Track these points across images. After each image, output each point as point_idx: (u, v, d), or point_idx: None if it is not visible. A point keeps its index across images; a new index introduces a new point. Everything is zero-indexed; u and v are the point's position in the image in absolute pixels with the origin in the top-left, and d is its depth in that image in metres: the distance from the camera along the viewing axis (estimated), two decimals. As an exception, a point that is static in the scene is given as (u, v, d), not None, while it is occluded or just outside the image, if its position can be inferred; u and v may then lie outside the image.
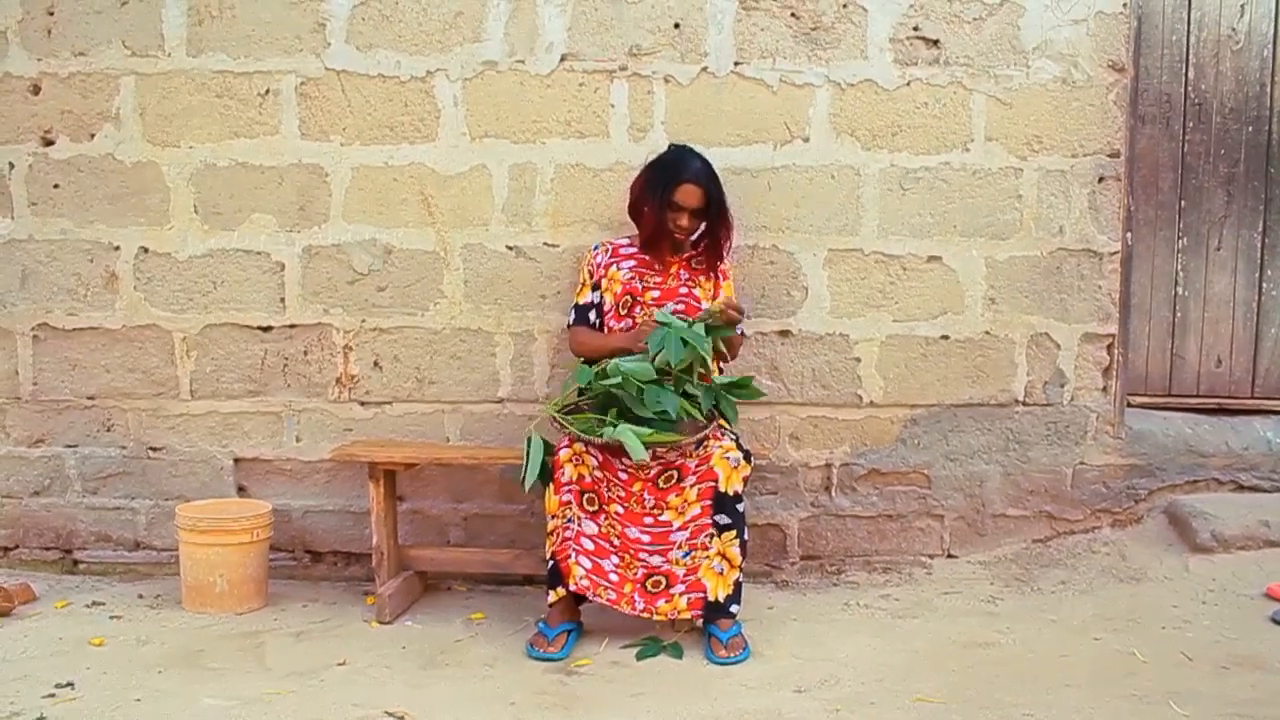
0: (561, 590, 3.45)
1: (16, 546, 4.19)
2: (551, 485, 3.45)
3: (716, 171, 3.67)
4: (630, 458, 3.29)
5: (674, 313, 3.62)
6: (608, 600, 3.42)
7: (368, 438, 4.08)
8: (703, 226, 3.66)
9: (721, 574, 3.41)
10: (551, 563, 3.46)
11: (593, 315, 3.75)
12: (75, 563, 4.20)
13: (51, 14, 4.00)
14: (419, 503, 4.13)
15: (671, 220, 3.60)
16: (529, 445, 3.46)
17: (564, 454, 3.43)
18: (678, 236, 3.63)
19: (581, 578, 3.41)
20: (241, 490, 4.14)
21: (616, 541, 3.45)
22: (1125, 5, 3.97)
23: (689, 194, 3.57)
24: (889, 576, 4.07)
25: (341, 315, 4.06)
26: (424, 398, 4.08)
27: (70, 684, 3.10)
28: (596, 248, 3.81)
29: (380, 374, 4.08)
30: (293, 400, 4.10)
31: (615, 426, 3.30)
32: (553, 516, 3.46)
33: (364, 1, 3.95)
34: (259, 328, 4.08)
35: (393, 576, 3.82)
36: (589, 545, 3.44)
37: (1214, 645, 3.40)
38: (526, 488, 3.45)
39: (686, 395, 3.41)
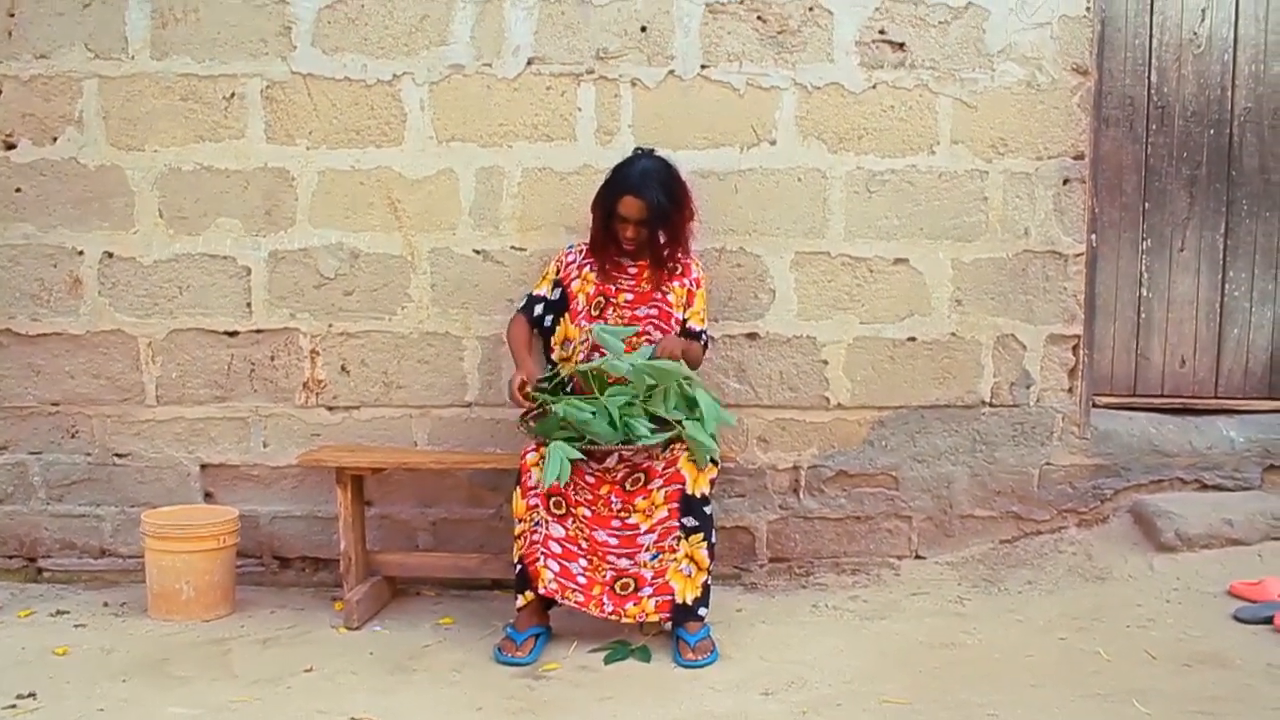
0: (530, 594, 3.44)
1: (-21, 555, 4.16)
2: (519, 489, 3.45)
3: (679, 175, 3.67)
4: (595, 461, 3.32)
5: (645, 318, 3.64)
6: (576, 603, 3.42)
7: (335, 443, 4.06)
8: (661, 234, 3.64)
9: (689, 576, 3.42)
10: (519, 566, 3.46)
11: (539, 309, 3.74)
12: (39, 571, 4.16)
13: (12, 15, 3.97)
14: (387, 507, 4.11)
15: (619, 231, 3.61)
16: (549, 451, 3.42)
17: (530, 458, 3.43)
18: (626, 247, 3.64)
19: (550, 581, 3.41)
20: (208, 496, 4.12)
21: (584, 544, 3.44)
22: (1088, 9, 4.00)
23: (630, 205, 3.57)
24: (857, 578, 4.08)
25: (308, 320, 4.04)
26: (391, 402, 4.07)
27: (32, 694, 3.07)
28: (570, 248, 3.80)
29: (347, 378, 4.06)
30: (259, 405, 4.08)
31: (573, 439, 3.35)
32: (520, 520, 3.45)
33: (330, 5, 3.94)
34: (225, 333, 4.05)
35: (361, 582, 3.80)
36: (557, 548, 3.43)
37: (1177, 643, 3.43)
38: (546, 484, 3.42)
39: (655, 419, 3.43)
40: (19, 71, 3.98)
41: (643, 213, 3.57)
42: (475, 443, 4.05)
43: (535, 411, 3.55)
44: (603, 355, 3.52)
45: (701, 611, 3.42)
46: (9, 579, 4.11)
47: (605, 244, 3.66)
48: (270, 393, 4.07)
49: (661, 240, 3.64)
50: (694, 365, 3.74)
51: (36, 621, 3.71)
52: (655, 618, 3.42)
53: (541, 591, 3.41)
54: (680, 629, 3.41)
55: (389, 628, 3.69)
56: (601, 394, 3.44)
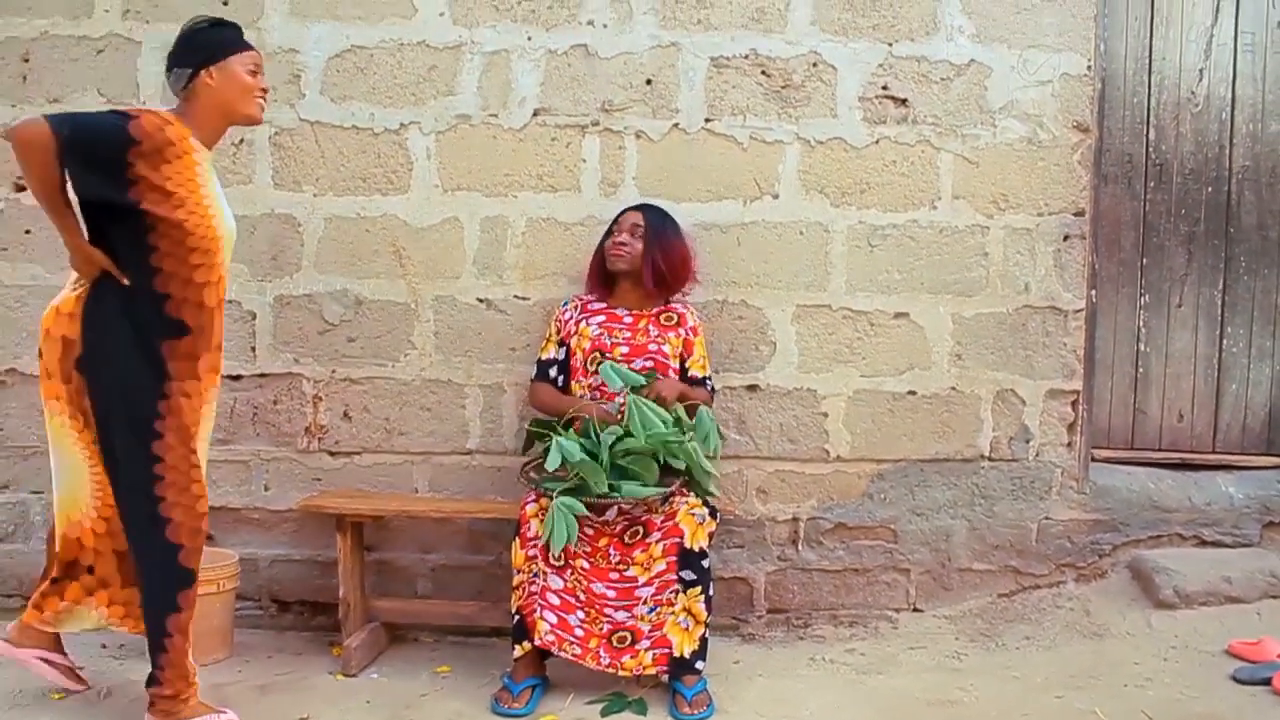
0: (527, 645, 3.44)
1: (-22, 595, 4.16)
2: (517, 540, 3.46)
3: (678, 223, 3.80)
4: (596, 514, 3.34)
5: (641, 370, 3.65)
6: (573, 655, 3.42)
7: (336, 488, 4.07)
8: (652, 258, 3.70)
9: (687, 630, 3.42)
10: (517, 617, 3.46)
11: (553, 371, 3.79)
12: (38, 611, 4.16)
13: (27, 60, 4.02)
14: (387, 553, 4.12)
15: (612, 242, 3.74)
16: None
17: (530, 509, 3.44)
18: (613, 253, 3.72)
19: (547, 633, 3.41)
20: (209, 538, 4.08)
21: (582, 596, 3.45)
22: (1089, 68, 4.05)
23: (626, 217, 3.76)
24: (855, 630, 4.08)
25: (312, 365, 4.07)
26: (393, 449, 4.08)
27: (29, 740, 3.08)
28: (566, 304, 3.85)
29: (349, 424, 4.08)
30: (262, 449, 4.09)
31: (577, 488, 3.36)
32: (518, 571, 3.46)
33: (339, 54, 3.99)
34: (229, 376, 4.06)
35: (359, 628, 3.80)
36: (554, 600, 3.44)
37: (1175, 703, 3.42)
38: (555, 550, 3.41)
39: (665, 467, 3.46)
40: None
41: (638, 220, 3.72)
42: (476, 490, 4.06)
43: (536, 461, 3.58)
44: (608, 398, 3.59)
45: (698, 665, 3.42)
46: (7, 619, 4.08)
47: (598, 262, 3.81)
48: (272, 437, 4.09)
49: (651, 264, 3.70)
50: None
51: (34, 664, 3.71)
52: (652, 670, 3.42)
53: (538, 643, 3.42)
54: (677, 682, 3.41)
55: (386, 675, 3.69)
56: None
